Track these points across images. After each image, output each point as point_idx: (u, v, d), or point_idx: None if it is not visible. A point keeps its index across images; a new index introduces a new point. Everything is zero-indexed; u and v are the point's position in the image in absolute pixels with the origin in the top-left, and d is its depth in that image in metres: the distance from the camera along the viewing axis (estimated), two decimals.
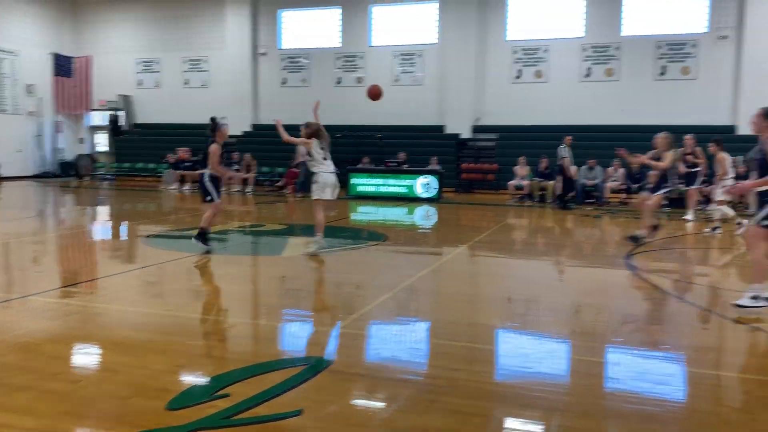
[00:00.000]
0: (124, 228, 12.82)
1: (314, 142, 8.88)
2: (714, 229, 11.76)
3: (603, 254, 10.09)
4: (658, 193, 10.26)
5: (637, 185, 17.28)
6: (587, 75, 22.02)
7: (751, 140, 16.47)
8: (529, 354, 5.00)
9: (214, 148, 8.63)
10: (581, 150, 19.50)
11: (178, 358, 4.57)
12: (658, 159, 10.22)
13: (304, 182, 19.90)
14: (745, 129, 19.87)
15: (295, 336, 5.46)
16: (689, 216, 13.85)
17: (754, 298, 5.91)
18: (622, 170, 18.39)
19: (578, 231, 13.26)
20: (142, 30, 27.42)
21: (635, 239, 9.93)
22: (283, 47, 25.69)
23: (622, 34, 21.58)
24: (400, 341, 5.29)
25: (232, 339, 5.28)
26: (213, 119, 8.92)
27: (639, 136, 18.00)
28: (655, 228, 10.11)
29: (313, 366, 4.40)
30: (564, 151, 16.55)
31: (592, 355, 4.98)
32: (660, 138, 10.36)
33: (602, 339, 5.39)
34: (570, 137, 16.77)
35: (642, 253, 9.49)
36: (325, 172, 8.98)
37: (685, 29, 21.06)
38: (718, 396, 4.24)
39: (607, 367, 4.73)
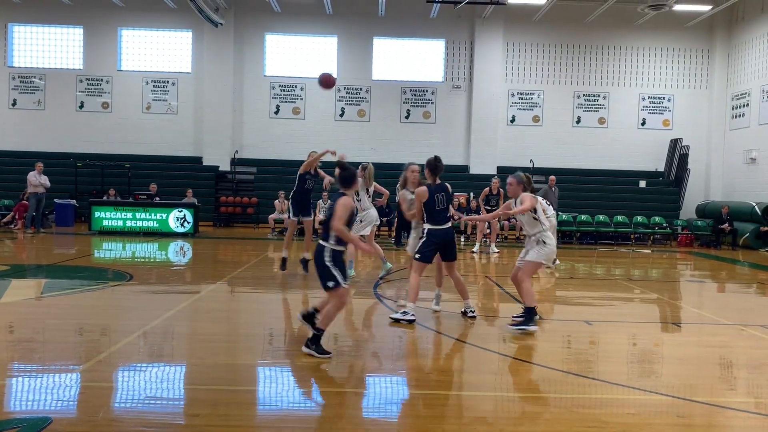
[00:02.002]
0: None
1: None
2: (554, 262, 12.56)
3: (355, 284, 10.41)
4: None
5: (385, 219, 18.34)
6: (341, 114, 23.06)
7: (483, 178, 18.37)
8: (290, 391, 4.88)
9: (347, 203, 5.62)
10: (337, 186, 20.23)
11: None
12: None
13: (36, 216, 17.72)
14: (476, 168, 22.45)
15: (16, 394, 4.65)
16: (493, 247, 15.56)
17: (404, 313, 7.17)
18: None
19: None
20: None
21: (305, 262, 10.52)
22: (14, 65, 22.86)
23: (373, 78, 23.07)
24: (137, 390, 4.80)
25: None
26: (340, 164, 6.23)
27: (387, 173, 19.24)
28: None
29: (30, 427, 3.78)
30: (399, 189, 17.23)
31: (351, 386, 5.02)
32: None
33: (358, 369, 5.47)
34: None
35: (389, 282, 10.01)
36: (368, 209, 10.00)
37: (425, 78, 23.23)
38: (448, 413, 4.51)
39: (366, 397, 4.80)
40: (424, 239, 7.32)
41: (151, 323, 6.74)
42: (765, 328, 7.55)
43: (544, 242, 6.87)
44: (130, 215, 17.40)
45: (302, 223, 10.82)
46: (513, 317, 7.13)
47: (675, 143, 22.83)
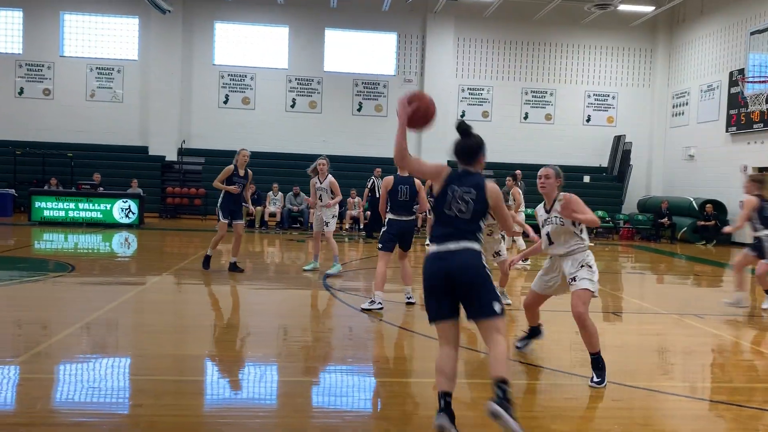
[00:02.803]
0: None
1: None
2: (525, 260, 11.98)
3: (304, 276, 10.39)
4: None
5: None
6: (292, 105, 22.88)
7: None
8: (236, 381, 4.85)
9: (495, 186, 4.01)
10: (287, 177, 20.13)
11: None
12: None
13: None
14: None
15: None
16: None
17: (372, 302, 7.37)
18: None
19: (284, 254, 13.54)
20: None
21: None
22: None
23: (324, 69, 22.95)
24: (77, 381, 4.69)
25: None
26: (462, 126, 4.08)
27: (340, 166, 19.22)
28: None
29: None
30: (373, 182, 17.16)
31: (298, 375, 5.02)
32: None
33: (304, 358, 5.47)
34: (379, 169, 17.29)
35: (340, 274, 10.02)
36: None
37: (377, 71, 23.23)
38: (404, 401, 4.57)
39: (314, 385, 4.81)
40: (384, 229, 7.67)
41: (94, 315, 6.58)
42: (698, 317, 7.89)
43: (590, 265, 5.05)
44: (72, 205, 16.88)
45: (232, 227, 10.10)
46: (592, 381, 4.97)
47: (618, 140, 23.49)
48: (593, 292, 4.99)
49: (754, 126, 18.69)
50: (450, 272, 3.73)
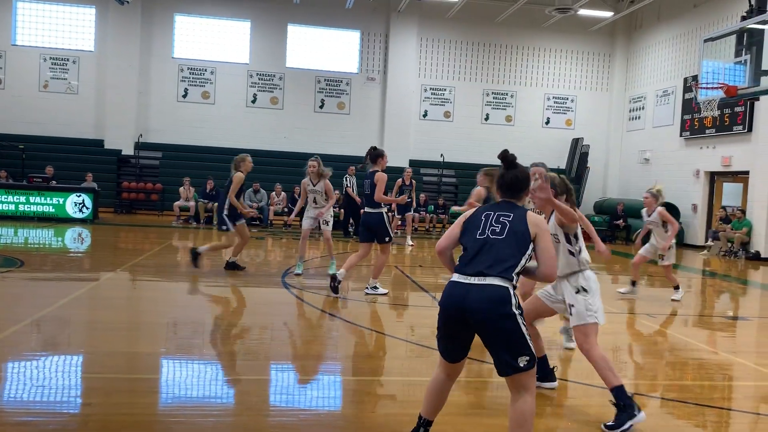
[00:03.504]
0: None
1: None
2: None
3: (263, 274, 10.28)
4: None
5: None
6: (253, 101, 22.61)
7: (396, 171, 18.39)
8: (190, 379, 4.76)
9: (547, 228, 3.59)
10: (247, 174, 19.83)
11: None
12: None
13: None
14: (389, 161, 22.55)
15: None
16: (409, 240, 15.57)
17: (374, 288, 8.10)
18: (284, 194, 19.23)
19: (243, 252, 13.36)
20: None
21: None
22: None
23: (287, 65, 22.75)
24: (23, 379, 4.53)
25: None
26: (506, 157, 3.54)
27: (301, 163, 19.04)
28: None
29: None
30: (348, 181, 16.91)
31: (255, 374, 4.94)
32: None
33: (261, 356, 5.40)
34: (353, 167, 16.98)
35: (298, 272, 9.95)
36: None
37: (340, 68, 23.14)
38: (362, 399, 4.55)
39: (269, 384, 4.74)
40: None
41: (43, 311, 6.38)
42: (650, 316, 8.09)
43: (585, 289, 4.36)
44: (23, 199, 16.35)
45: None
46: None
47: (576, 142, 23.90)
48: (595, 322, 4.29)
49: (707, 131, 19.24)
50: (465, 309, 3.15)
